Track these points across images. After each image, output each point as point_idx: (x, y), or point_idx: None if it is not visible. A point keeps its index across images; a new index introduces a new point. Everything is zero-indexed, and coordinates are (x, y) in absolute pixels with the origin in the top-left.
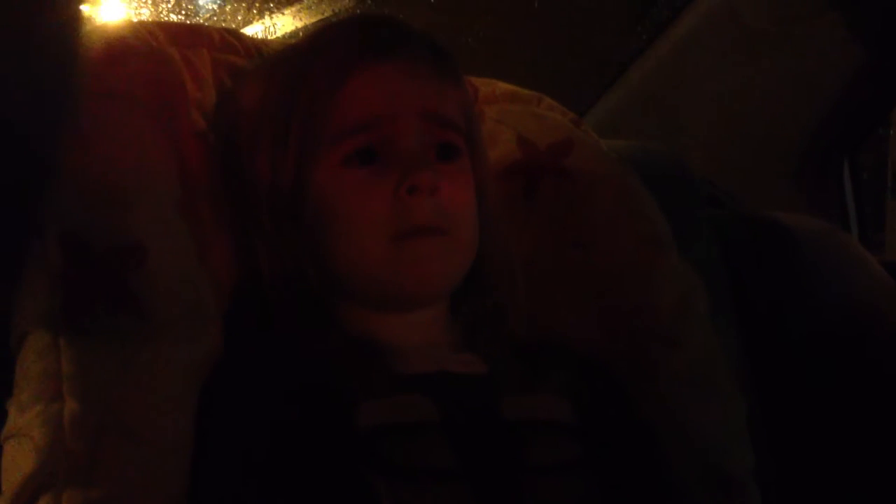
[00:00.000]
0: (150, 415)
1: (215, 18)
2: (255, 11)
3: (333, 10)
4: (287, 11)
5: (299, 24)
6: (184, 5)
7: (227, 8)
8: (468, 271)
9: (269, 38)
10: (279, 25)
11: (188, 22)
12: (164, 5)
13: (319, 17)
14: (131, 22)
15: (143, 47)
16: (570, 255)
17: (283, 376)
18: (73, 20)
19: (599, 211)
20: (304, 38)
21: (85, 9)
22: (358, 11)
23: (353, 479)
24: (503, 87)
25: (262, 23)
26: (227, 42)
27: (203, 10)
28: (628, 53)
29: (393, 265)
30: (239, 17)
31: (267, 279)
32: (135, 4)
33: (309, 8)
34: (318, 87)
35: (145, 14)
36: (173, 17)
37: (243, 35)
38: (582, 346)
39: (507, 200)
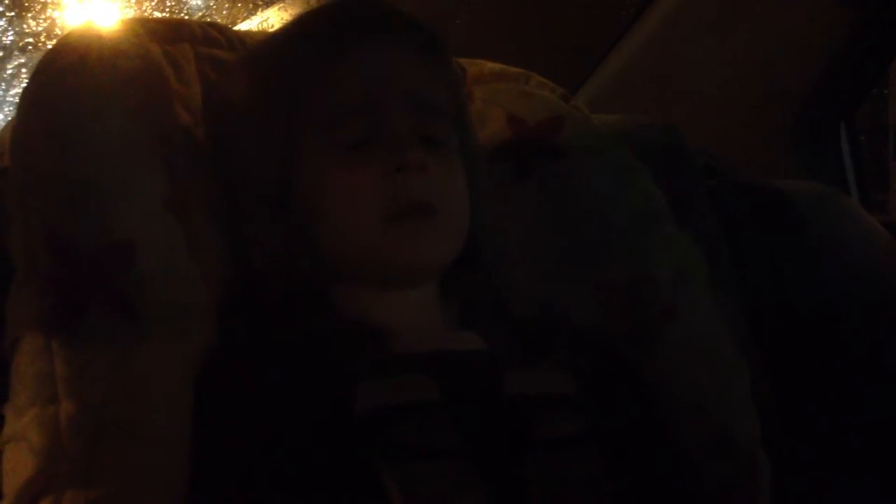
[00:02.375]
0: (146, 413)
1: (200, 14)
2: (240, 6)
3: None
4: (273, 8)
5: (288, 19)
6: (168, 5)
7: (212, 4)
8: (461, 251)
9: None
10: (267, 21)
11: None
12: (147, 3)
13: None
14: (114, 20)
15: (126, 44)
16: (566, 231)
17: (278, 364)
18: None
19: (594, 185)
20: (288, 24)
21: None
22: None
23: (355, 462)
24: (491, 66)
25: (250, 21)
26: (210, 36)
27: (191, 9)
28: (617, 28)
29: (385, 246)
30: (224, 12)
31: (259, 268)
32: (119, 4)
33: (294, 3)
34: (303, 74)
35: (130, 14)
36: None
37: (226, 28)
38: (582, 320)
39: (501, 179)
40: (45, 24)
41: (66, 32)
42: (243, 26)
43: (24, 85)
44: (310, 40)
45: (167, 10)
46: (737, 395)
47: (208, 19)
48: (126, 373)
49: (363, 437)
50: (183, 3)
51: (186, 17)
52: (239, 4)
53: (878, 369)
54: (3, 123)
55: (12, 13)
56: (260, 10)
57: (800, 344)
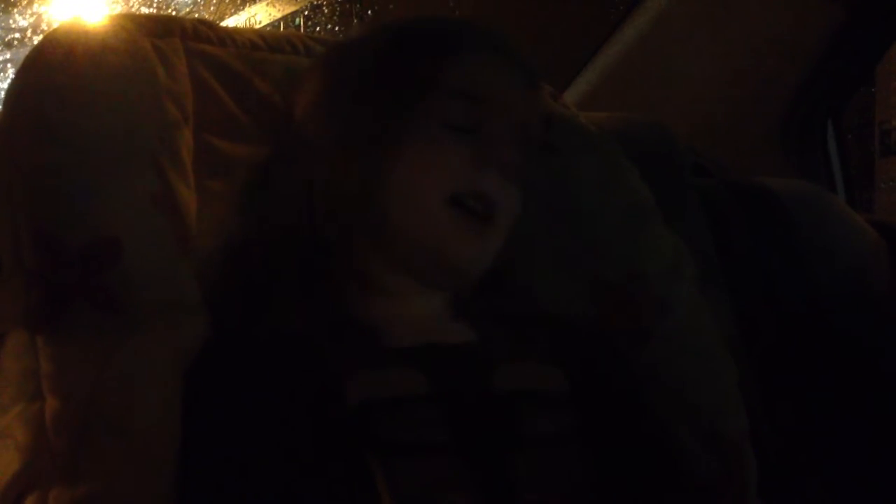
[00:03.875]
0: (132, 409)
1: (188, 10)
2: (227, 2)
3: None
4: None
5: (277, 15)
6: (156, 1)
7: (200, 0)
8: None
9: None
10: (259, 17)
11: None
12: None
13: (294, 7)
14: (102, 15)
15: (114, 40)
16: (558, 229)
17: (268, 357)
18: None
19: (584, 183)
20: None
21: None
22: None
23: (345, 455)
24: None
25: (238, 16)
26: (200, 31)
27: (178, 5)
28: (606, 25)
29: (441, 224)
30: (211, 8)
31: (262, 253)
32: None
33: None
34: (426, 51)
35: (118, 10)
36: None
37: (216, 24)
38: (573, 315)
39: None
40: (31, 20)
41: (53, 28)
42: (230, 22)
43: (9, 80)
44: (428, 38)
45: (154, 5)
46: (725, 389)
47: (195, 15)
48: (112, 369)
49: (353, 430)
50: None
51: (174, 13)
52: (226, 0)
53: (865, 366)
54: None
55: None
56: (247, 5)
57: (786, 341)
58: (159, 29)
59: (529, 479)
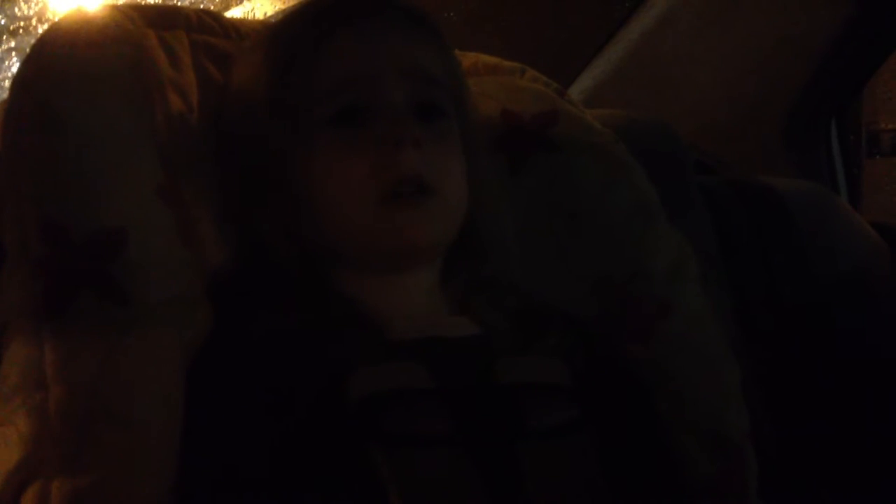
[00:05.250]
0: (137, 400)
1: (191, 1)
2: None
3: None
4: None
5: (281, 6)
6: None
7: None
8: (459, 237)
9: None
10: (258, 7)
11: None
12: None
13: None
14: (106, 5)
15: (119, 30)
16: (561, 226)
17: (271, 352)
18: None
19: (588, 181)
20: (291, 7)
21: None
22: None
23: (349, 449)
24: (485, 59)
25: (242, 6)
26: (205, 23)
27: None
28: (612, 22)
29: (380, 227)
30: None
31: (255, 253)
32: None
33: None
34: (296, 50)
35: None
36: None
37: (221, 16)
38: (576, 314)
39: (495, 172)
40: (36, 8)
41: (58, 17)
42: (235, 13)
43: (14, 69)
44: (303, 19)
45: None
46: (728, 389)
47: (200, 6)
48: (116, 359)
49: (356, 424)
50: None
51: (179, 4)
52: None
53: (866, 366)
54: None
55: None
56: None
57: (787, 340)
58: (164, 20)
59: (533, 472)
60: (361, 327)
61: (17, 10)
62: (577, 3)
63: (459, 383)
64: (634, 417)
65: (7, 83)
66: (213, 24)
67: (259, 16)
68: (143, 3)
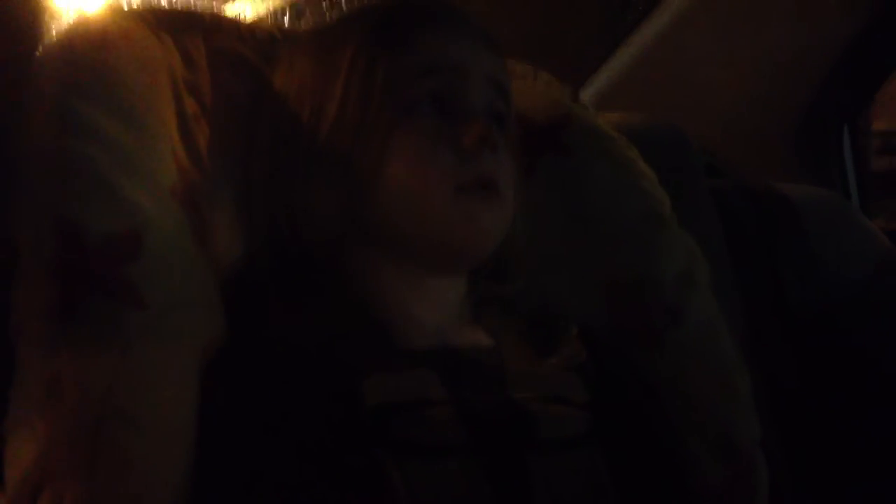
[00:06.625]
0: (151, 404)
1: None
2: None
3: None
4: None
5: (272, 5)
6: None
7: None
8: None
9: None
10: (248, 11)
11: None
12: None
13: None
14: (122, 7)
15: (135, 32)
16: (571, 231)
17: (286, 357)
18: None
19: (599, 186)
20: (350, 11)
21: None
22: None
23: (362, 457)
24: None
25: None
26: (221, 25)
27: None
28: (625, 25)
29: (453, 217)
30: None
31: (279, 243)
32: None
33: None
34: (388, 34)
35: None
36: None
37: (235, 19)
38: (587, 320)
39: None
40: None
41: (78, 17)
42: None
43: None
44: (395, 11)
45: None
46: (739, 397)
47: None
48: (131, 363)
49: (370, 431)
50: None
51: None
52: None
53: (875, 374)
54: None
55: None
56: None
57: (797, 347)
58: (180, 23)
59: (544, 484)
60: (375, 334)
61: None
62: (590, 6)
63: (472, 394)
64: (644, 428)
65: None
66: (229, 26)
67: (250, 15)
68: (158, 6)
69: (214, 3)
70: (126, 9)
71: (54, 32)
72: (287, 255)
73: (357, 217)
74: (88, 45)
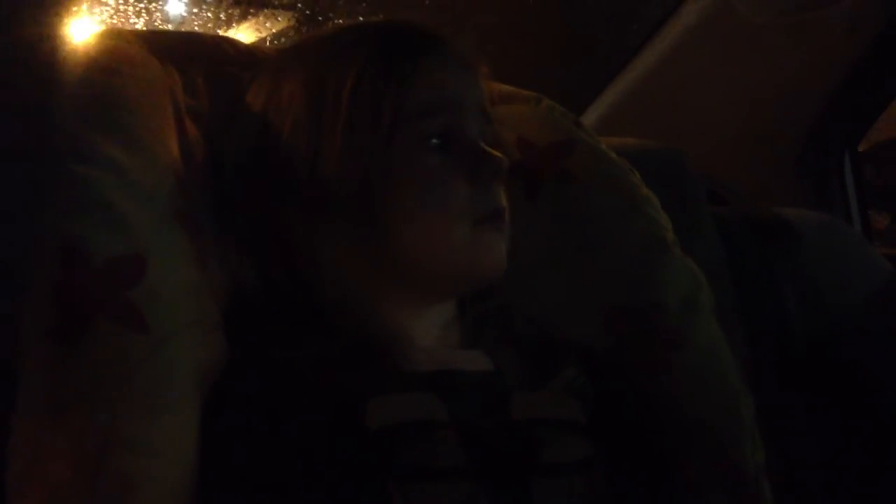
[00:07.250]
0: (155, 426)
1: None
2: (221, 17)
3: (297, 19)
4: (245, 24)
5: (274, 29)
6: (154, 16)
7: (193, 12)
8: None
9: None
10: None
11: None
12: (131, 7)
13: (282, 25)
14: (125, 31)
15: (138, 55)
16: (575, 257)
17: (288, 380)
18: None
19: (602, 212)
20: (335, 31)
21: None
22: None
23: (364, 480)
24: (501, 88)
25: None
26: (221, 49)
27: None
28: (626, 51)
29: (473, 251)
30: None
31: (295, 273)
32: (105, 16)
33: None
34: (390, 67)
35: (109, 24)
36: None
37: (237, 42)
38: (589, 344)
39: (510, 202)
40: None
41: (82, 41)
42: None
43: None
44: (390, 39)
45: (144, 11)
46: (743, 423)
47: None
48: (135, 386)
49: (372, 454)
50: (163, 11)
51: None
52: (221, 16)
53: (878, 400)
54: None
55: None
56: (234, 24)
57: (800, 373)
58: (183, 48)
59: None
60: (376, 357)
61: None
62: (591, 32)
63: (475, 417)
64: (646, 452)
65: None
66: (229, 49)
67: (252, 39)
68: (162, 30)
69: (216, 26)
70: (129, 32)
71: (60, 57)
72: (286, 285)
73: (365, 254)
74: (92, 68)
